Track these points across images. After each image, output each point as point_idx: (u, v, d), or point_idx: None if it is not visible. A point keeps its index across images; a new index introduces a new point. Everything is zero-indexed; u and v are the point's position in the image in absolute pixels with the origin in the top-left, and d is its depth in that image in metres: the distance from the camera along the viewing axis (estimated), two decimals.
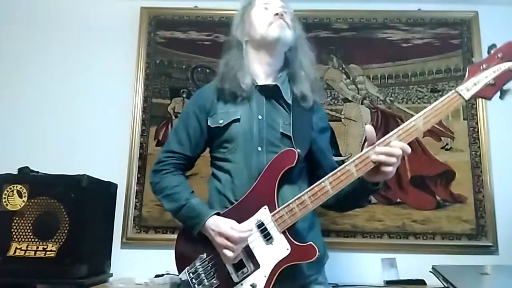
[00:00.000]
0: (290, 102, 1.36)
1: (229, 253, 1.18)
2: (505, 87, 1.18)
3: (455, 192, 2.14)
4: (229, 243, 1.18)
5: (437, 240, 2.10)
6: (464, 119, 2.22)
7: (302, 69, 1.40)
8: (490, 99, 1.19)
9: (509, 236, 2.08)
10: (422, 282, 1.89)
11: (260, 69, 1.41)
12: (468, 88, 1.18)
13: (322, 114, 1.47)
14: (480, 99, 1.24)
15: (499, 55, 1.18)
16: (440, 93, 2.23)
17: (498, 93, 1.19)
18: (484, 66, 1.19)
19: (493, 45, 1.21)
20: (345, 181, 1.18)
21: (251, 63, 1.41)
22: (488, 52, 1.21)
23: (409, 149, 1.15)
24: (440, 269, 1.62)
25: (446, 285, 1.50)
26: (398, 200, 2.15)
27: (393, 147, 1.14)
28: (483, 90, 1.18)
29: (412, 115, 1.19)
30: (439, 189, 2.16)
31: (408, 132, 1.17)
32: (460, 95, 1.18)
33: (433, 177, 2.17)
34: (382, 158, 1.14)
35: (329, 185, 1.18)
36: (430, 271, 1.68)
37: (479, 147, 2.18)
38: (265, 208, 1.22)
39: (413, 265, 1.98)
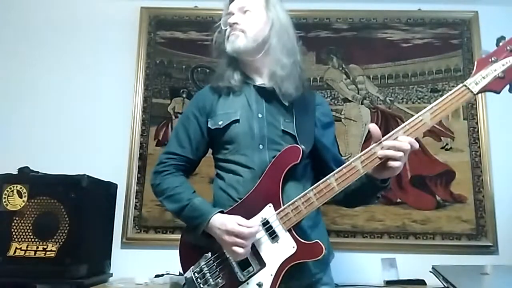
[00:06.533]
0: (286, 104, 1.35)
1: (239, 249, 1.16)
2: None
3: (455, 192, 2.14)
4: (238, 240, 1.16)
5: (437, 240, 2.10)
6: (464, 119, 2.22)
7: (284, 68, 1.35)
8: (499, 92, 1.16)
9: (509, 236, 2.08)
10: (422, 282, 1.89)
11: (251, 73, 1.41)
12: (477, 81, 1.16)
13: (325, 109, 1.46)
14: (486, 92, 1.21)
15: (508, 48, 1.15)
16: (440, 93, 2.23)
17: (507, 87, 1.16)
18: (493, 58, 1.16)
19: (502, 37, 1.18)
20: (351, 178, 1.16)
21: (241, 67, 1.41)
22: (497, 44, 1.18)
23: (416, 144, 1.14)
24: (440, 269, 1.62)
25: (446, 285, 1.50)
26: (398, 200, 2.15)
27: (400, 141, 1.13)
28: (491, 84, 1.15)
29: (412, 115, 1.18)
30: (439, 189, 2.16)
31: (415, 127, 1.15)
32: (468, 88, 1.16)
33: (433, 177, 2.17)
34: (390, 152, 1.13)
35: (334, 181, 1.17)
36: (430, 271, 1.68)
37: (479, 147, 2.18)
38: (269, 206, 1.21)
39: (413, 265, 1.98)
